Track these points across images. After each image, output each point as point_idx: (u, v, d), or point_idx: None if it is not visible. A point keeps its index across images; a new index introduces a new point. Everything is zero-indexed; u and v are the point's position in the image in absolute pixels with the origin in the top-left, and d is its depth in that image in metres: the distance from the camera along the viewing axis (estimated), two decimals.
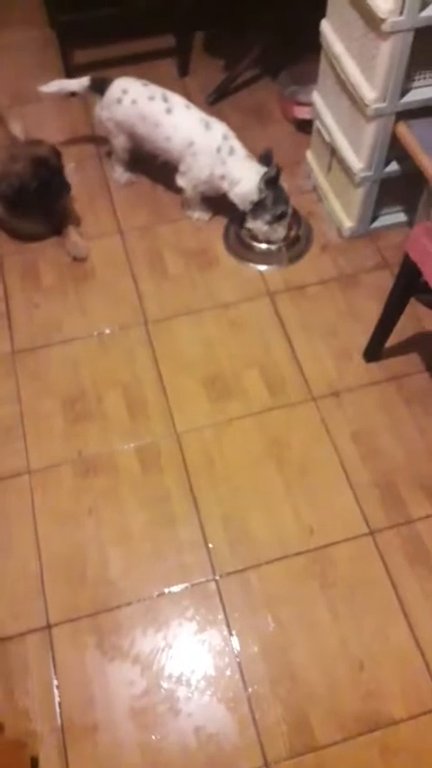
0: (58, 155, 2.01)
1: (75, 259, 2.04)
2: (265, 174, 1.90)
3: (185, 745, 1.36)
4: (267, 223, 1.99)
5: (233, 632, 1.47)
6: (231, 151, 1.93)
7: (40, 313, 1.96)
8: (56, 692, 1.41)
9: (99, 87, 2.03)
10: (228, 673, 1.44)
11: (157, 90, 1.97)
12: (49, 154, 1.98)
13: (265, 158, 1.95)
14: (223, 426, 1.75)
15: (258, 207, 1.96)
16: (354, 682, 1.42)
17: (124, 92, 1.98)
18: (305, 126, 2.26)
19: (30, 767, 1.30)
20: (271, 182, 1.91)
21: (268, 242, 2.04)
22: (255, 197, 1.94)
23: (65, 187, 2.02)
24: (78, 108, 2.40)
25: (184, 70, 2.54)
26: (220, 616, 1.49)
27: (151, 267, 2.05)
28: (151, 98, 1.96)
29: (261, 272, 2.04)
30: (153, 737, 1.37)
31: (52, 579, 1.54)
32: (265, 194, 1.93)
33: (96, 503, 1.63)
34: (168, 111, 1.94)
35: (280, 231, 2.02)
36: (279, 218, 1.99)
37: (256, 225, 2.01)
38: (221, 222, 2.14)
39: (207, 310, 1.96)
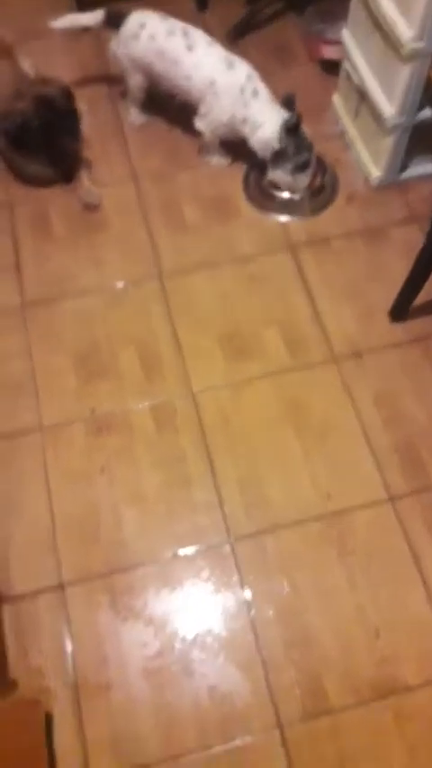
0: (68, 95, 1.91)
1: (87, 207, 1.96)
2: (286, 121, 1.79)
3: (199, 704, 1.36)
4: (289, 172, 1.89)
5: (247, 595, 1.46)
6: (255, 93, 1.82)
7: (51, 264, 1.88)
8: (69, 650, 1.41)
9: (114, 22, 1.90)
10: (242, 635, 1.42)
11: (177, 25, 1.85)
12: (57, 94, 1.88)
13: (287, 102, 1.84)
14: (240, 386, 1.69)
15: (279, 155, 1.86)
16: (369, 648, 1.41)
17: (141, 26, 1.86)
18: (332, 67, 2.12)
19: (44, 723, 1.30)
20: (292, 129, 1.80)
21: (291, 192, 1.94)
22: (276, 144, 1.83)
23: (73, 130, 1.92)
24: (91, 45, 2.26)
25: (203, 3, 2.38)
26: (235, 578, 1.47)
27: (167, 217, 1.96)
28: (171, 33, 1.83)
29: (283, 223, 1.95)
30: (166, 697, 1.37)
31: (65, 538, 1.52)
32: (285, 143, 1.82)
33: (110, 462, 1.60)
34: (189, 47, 1.82)
35: (303, 180, 1.92)
36: (302, 167, 1.89)
37: (278, 174, 1.91)
38: (241, 169, 2.03)
39: (225, 264, 1.88)
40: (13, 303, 1.82)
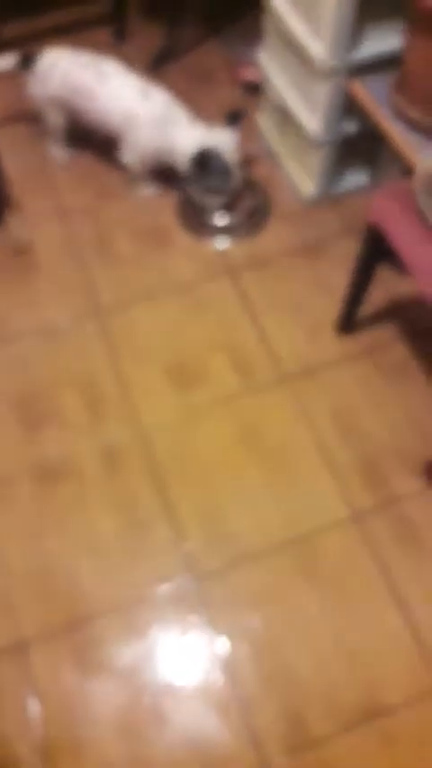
0: None
1: (18, 250, 1.91)
2: (192, 156, 1.79)
3: (176, 757, 1.30)
4: (199, 193, 1.90)
5: (218, 633, 1.40)
6: (174, 120, 1.81)
7: None
8: (36, 712, 1.33)
9: (27, 63, 1.89)
10: (215, 677, 1.37)
11: (89, 59, 1.84)
12: None
13: (233, 117, 1.84)
14: (192, 417, 1.65)
15: (192, 176, 1.86)
16: (348, 672, 1.36)
17: (53, 65, 1.84)
18: (255, 88, 2.13)
19: None
20: (199, 164, 1.80)
21: (207, 209, 1.94)
22: (188, 167, 1.83)
23: None
24: (8, 86, 2.23)
25: (121, 36, 2.38)
26: (204, 618, 1.42)
27: (101, 252, 1.92)
28: (84, 67, 1.82)
29: (220, 248, 1.93)
30: (142, 751, 1.30)
31: (22, 595, 1.45)
32: (192, 169, 1.82)
33: (62, 512, 1.54)
34: (103, 80, 1.81)
35: (213, 202, 1.92)
36: (212, 191, 1.88)
37: (192, 193, 1.92)
38: (173, 197, 2.01)
39: (165, 294, 1.85)
40: None
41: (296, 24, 1.64)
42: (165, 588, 1.45)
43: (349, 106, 1.70)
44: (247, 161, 2.02)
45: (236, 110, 1.85)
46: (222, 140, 1.82)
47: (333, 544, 1.49)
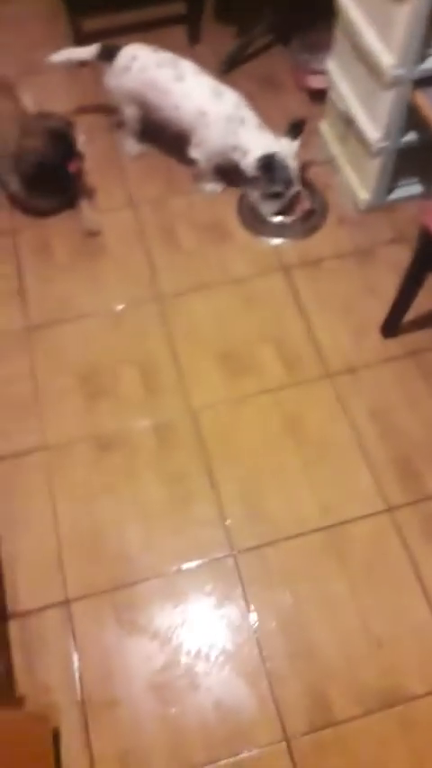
0: (70, 125, 1.97)
1: (88, 234, 2.01)
2: (258, 159, 1.87)
3: (205, 720, 1.37)
4: (259, 198, 1.97)
5: (251, 607, 1.48)
6: (242, 121, 1.89)
7: (53, 289, 1.93)
8: (76, 666, 1.42)
9: (108, 55, 1.98)
10: (246, 648, 1.44)
11: (167, 56, 1.93)
12: (64, 126, 1.94)
13: (294, 128, 1.91)
14: (239, 403, 1.73)
15: (255, 180, 1.93)
16: (372, 657, 1.42)
17: (133, 59, 1.93)
18: (319, 96, 2.20)
19: (52, 739, 1.32)
20: (264, 167, 1.87)
21: (262, 213, 2.02)
22: (250, 171, 1.91)
23: (79, 156, 1.98)
24: (88, 78, 2.34)
25: (195, 38, 2.48)
26: (238, 591, 1.50)
27: (164, 241, 2.02)
28: (161, 65, 1.91)
29: (276, 246, 2.01)
30: (172, 711, 1.38)
31: (70, 555, 1.54)
32: (259, 173, 1.90)
33: (113, 479, 1.63)
34: (179, 78, 1.90)
35: (270, 208, 2.00)
36: (271, 196, 1.96)
37: (252, 195, 2.00)
38: (235, 195, 2.10)
39: (221, 285, 1.93)
40: (17, 327, 1.86)
41: (367, 34, 1.70)
42: (204, 560, 1.53)
43: (411, 116, 1.77)
44: (308, 165, 2.10)
45: (299, 119, 1.92)
46: (285, 147, 1.90)
47: (365, 534, 1.55)
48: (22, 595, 1.49)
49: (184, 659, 1.43)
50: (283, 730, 1.36)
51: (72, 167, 1.95)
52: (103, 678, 1.42)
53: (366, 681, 1.40)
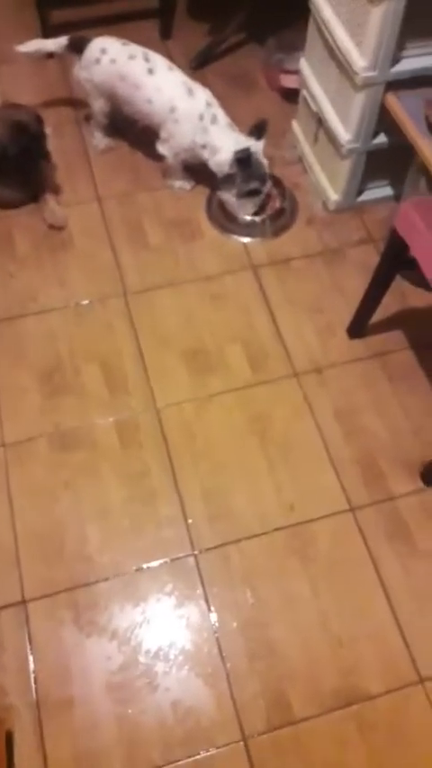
0: (39, 120, 1.94)
1: (52, 227, 1.98)
2: (236, 152, 1.85)
3: (163, 720, 1.36)
4: (235, 197, 1.96)
5: (212, 607, 1.46)
6: (214, 119, 1.88)
7: (15, 283, 1.89)
8: (31, 667, 1.39)
9: (77, 47, 1.95)
10: (206, 648, 1.43)
11: (138, 49, 1.90)
12: (29, 119, 1.91)
13: (258, 128, 1.90)
14: (204, 401, 1.72)
15: (228, 179, 1.92)
16: (332, 657, 1.42)
17: (103, 51, 1.91)
18: (291, 95, 2.20)
19: (4, 742, 1.28)
20: (242, 160, 1.86)
21: (236, 214, 2.00)
22: (225, 169, 1.89)
23: (45, 154, 1.95)
24: (56, 70, 2.31)
25: (166, 33, 2.46)
26: (199, 591, 1.48)
27: (131, 237, 1.99)
28: (132, 57, 1.89)
29: (244, 245, 2.00)
30: (130, 712, 1.36)
31: (28, 554, 1.51)
32: (235, 170, 1.88)
33: (74, 477, 1.60)
34: (150, 71, 1.87)
35: (248, 206, 1.98)
36: (248, 194, 1.95)
37: (225, 196, 1.98)
38: (204, 192, 2.08)
39: (188, 283, 1.91)
40: None
41: (340, 35, 1.71)
42: (165, 559, 1.51)
43: (382, 119, 1.77)
44: (278, 165, 2.10)
45: (261, 120, 1.90)
46: (254, 146, 1.89)
47: (328, 533, 1.55)
48: None
49: (142, 659, 1.41)
50: (241, 730, 1.35)
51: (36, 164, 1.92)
52: (60, 679, 1.39)
53: (325, 680, 1.40)
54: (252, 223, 2.01)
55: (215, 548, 1.53)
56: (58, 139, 2.13)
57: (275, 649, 1.43)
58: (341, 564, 1.52)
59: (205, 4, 2.53)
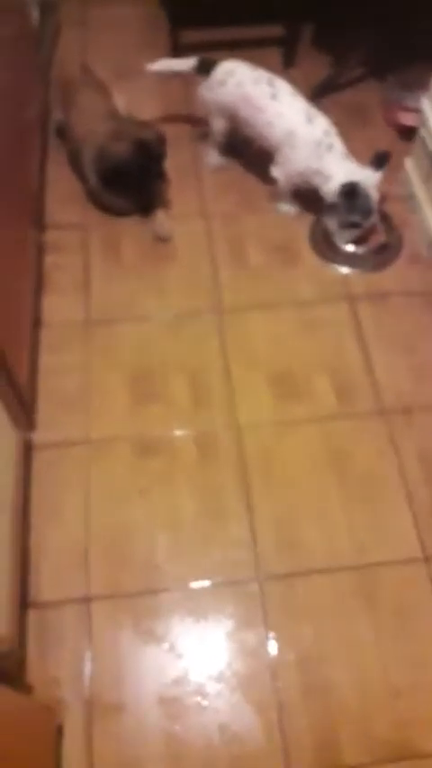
0: (162, 141, 2.00)
1: (158, 239, 2.03)
2: (342, 185, 1.86)
3: (209, 741, 1.34)
4: (337, 225, 1.97)
5: (271, 636, 1.45)
6: (330, 147, 1.89)
7: (117, 287, 1.95)
8: (88, 665, 1.41)
9: (205, 68, 2.01)
10: (260, 676, 1.41)
11: (263, 74, 1.95)
12: (153, 138, 1.97)
13: (378, 159, 1.91)
14: (286, 427, 1.71)
15: (334, 208, 1.93)
16: (388, 707, 1.37)
17: (230, 73, 1.96)
18: (408, 133, 2.19)
19: (55, 734, 1.30)
20: (347, 194, 1.87)
21: (337, 242, 2.00)
22: (330, 198, 1.91)
23: (162, 175, 2.02)
24: (179, 87, 2.38)
25: (290, 61, 2.50)
26: (260, 617, 1.47)
27: (232, 256, 2.02)
28: (257, 81, 1.93)
29: (344, 275, 1.99)
30: (178, 728, 1.36)
31: (97, 553, 1.53)
32: (339, 201, 1.89)
33: (150, 484, 1.62)
34: (273, 96, 1.91)
35: (347, 236, 1.99)
36: (349, 225, 1.95)
37: (328, 222, 1.99)
38: (309, 220, 2.09)
39: (283, 307, 1.92)
40: (77, 319, 1.88)
41: None
42: (229, 580, 1.51)
43: None
44: (389, 200, 2.09)
45: (384, 152, 1.91)
46: (367, 178, 1.89)
47: (399, 579, 1.51)
48: (45, 586, 1.49)
49: (195, 676, 1.41)
50: (287, 764, 1.32)
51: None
52: (113, 682, 1.40)
53: (379, 729, 1.35)
54: (354, 254, 2.01)
55: (281, 576, 1.51)
56: (173, 154, 2.18)
57: (331, 689, 1.39)
58: (407, 612, 1.47)
59: (330, 36, 2.56)
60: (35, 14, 2.33)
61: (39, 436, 1.68)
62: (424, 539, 1.55)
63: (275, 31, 2.52)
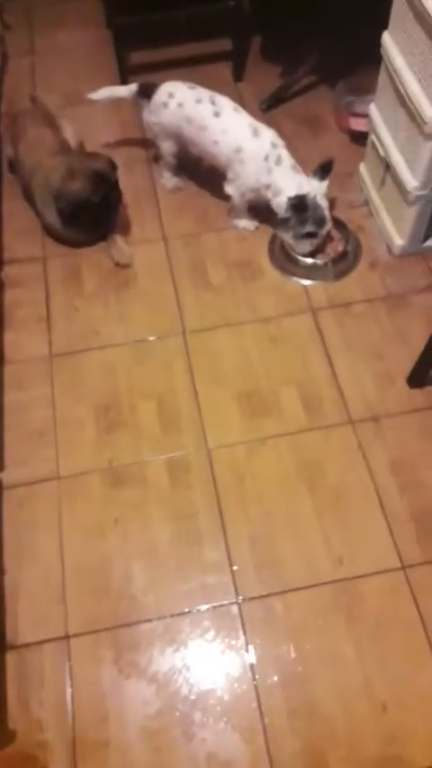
0: (114, 167, 2.00)
1: (118, 265, 2.03)
2: (290, 199, 1.87)
3: None
4: (291, 238, 1.97)
5: (253, 659, 1.44)
6: (279, 160, 1.89)
7: (79, 317, 1.94)
8: (70, 704, 1.40)
9: (146, 92, 2.01)
10: (244, 700, 1.40)
11: (204, 93, 1.95)
12: (106, 168, 1.98)
13: (322, 169, 1.91)
14: (256, 444, 1.71)
15: (286, 221, 1.93)
16: (375, 723, 1.37)
17: (170, 95, 1.96)
18: (360, 138, 2.20)
19: None
20: (296, 207, 1.87)
21: (295, 253, 2.00)
22: (281, 213, 1.91)
23: (119, 200, 2.02)
24: (129, 111, 2.38)
25: (239, 75, 2.50)
26: (241, 641, 1.46)
27: (193, 276, 2.02)
28: (198, 101, 1.93)
29: (305, 287, 1.99)
30: (164, 760, 1.34)
31: (74, 590, 1.52)
32: (290, 214, 1.89)
33: (123, 514, 1.61)
34: (216, 114, 1.91)
35: (304, 247, 1.98)
36: (304, 236, 1.95)
37: (284, 235, 1.99)
38: (267, 233, 2.09)
39: (247, 323, 1.92)
40: (41, 354, 1.87)
41: (411, 84, 1.69)
42: (208, 605, 1.50)
43: None
44: (343, 208, 2.09)
45: (327, 160, 1.91)
46: (315, 188, 1.89)
47: (377, 590, 1.50)
48: (22, 628, 1.48)
49: (180, 706, 1.40)
50: None
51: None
52: (97, 718, 1.39)
53: (367, 747, 1.34)
54: (313, 266, 2.01)
55: (259, 597, 1.50)
56: (128, 178, 2.19)
57: (316, 709, 1.38)
58: (389, 624, 1.46)
59: (278, 48, 2.57)
60: None
61: (8, 476, 1.67)
62: (400, 547, 1.55)
63: (224, 45, 2.53)
